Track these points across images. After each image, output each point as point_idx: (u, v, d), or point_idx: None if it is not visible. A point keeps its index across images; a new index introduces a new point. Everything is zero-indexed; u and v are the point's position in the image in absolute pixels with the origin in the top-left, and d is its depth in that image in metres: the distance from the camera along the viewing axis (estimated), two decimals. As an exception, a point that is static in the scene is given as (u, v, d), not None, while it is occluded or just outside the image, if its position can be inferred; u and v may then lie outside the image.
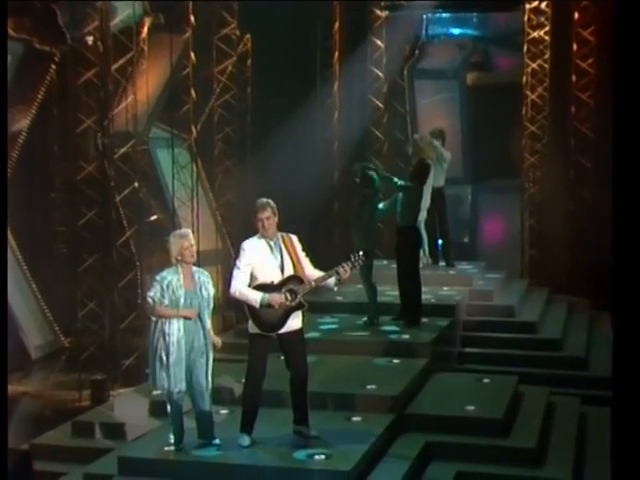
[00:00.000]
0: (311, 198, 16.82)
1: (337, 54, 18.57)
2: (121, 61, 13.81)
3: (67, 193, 15.58)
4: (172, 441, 8.68)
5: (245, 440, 8.63)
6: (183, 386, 8.48)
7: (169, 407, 8.68)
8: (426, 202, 13.99)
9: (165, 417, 10.09)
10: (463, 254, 17.66)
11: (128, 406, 10.62)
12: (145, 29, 15.17)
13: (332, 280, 8.67)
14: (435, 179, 14.57)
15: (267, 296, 8.46)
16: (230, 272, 8.69)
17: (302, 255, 8.73)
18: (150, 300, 8.48)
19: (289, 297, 8.51)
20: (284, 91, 17.97)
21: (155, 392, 10.78)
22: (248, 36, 18.23)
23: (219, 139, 17.46)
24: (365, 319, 12.64)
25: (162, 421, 10.04)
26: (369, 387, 10.08)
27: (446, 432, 9.48)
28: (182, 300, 8.43)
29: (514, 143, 18.49)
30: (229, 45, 17.37)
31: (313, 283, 8.61)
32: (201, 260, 16.08)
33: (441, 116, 19.21)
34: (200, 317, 8.52)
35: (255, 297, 8.47)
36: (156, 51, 15.48)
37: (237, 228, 17.11)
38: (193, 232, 15.93)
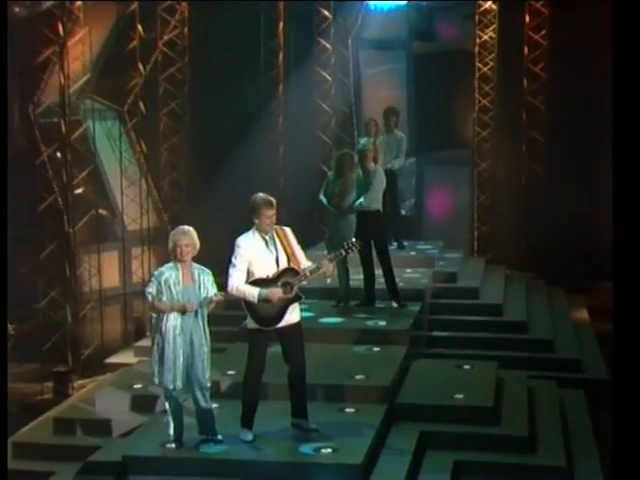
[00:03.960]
0: (256, 173, 17.15)
1: (282, 24, 18.83)
2: (78, 36, 13.97)
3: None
4: (172, 438, 9.12)
5: (248, 435, 9.11)
6: (179, 383, 8.86)
7: (167, 404, 9.11)
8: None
9: (150, 413, 10.56)
10: (409, 231, 18.11)
11: (109, 401, 10.89)
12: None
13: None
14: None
15: (264, 291, 8.91)
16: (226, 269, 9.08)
17: (297, 248, 9.21)
18: (147, 296, 8.91)
19: (286, 290, 9.01)
20: (225, 62, 18.26)
21: (135, 386, 11.24)
22: (185, 4, 18.47)
23: (164, 114, 17.70)
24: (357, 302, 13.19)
25: (146, 416, 10.46)
26: (358, 377, 10.63)
27: (438, 421, 10.10)
28: (180, 296, 8.80)
29: (462, 114, 19.15)
30: (173, 16, 17.61)
31: (308, 273, 9.10)
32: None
33: (387, 86, 19.71)
34: (199, 314, 8.91)
35: (252, 293, 8.91)
36: (92, 22, 15.71)
37: (182, 206, 17.46)
38: (142, 213, 16.45)
